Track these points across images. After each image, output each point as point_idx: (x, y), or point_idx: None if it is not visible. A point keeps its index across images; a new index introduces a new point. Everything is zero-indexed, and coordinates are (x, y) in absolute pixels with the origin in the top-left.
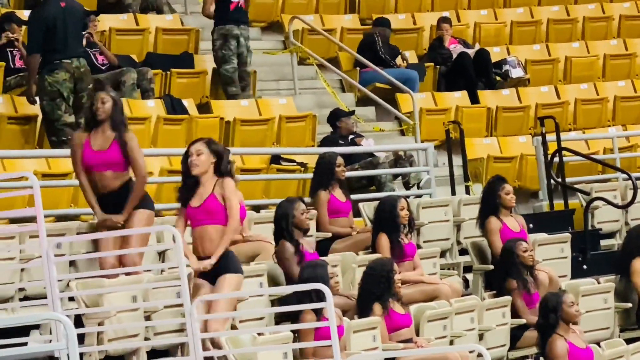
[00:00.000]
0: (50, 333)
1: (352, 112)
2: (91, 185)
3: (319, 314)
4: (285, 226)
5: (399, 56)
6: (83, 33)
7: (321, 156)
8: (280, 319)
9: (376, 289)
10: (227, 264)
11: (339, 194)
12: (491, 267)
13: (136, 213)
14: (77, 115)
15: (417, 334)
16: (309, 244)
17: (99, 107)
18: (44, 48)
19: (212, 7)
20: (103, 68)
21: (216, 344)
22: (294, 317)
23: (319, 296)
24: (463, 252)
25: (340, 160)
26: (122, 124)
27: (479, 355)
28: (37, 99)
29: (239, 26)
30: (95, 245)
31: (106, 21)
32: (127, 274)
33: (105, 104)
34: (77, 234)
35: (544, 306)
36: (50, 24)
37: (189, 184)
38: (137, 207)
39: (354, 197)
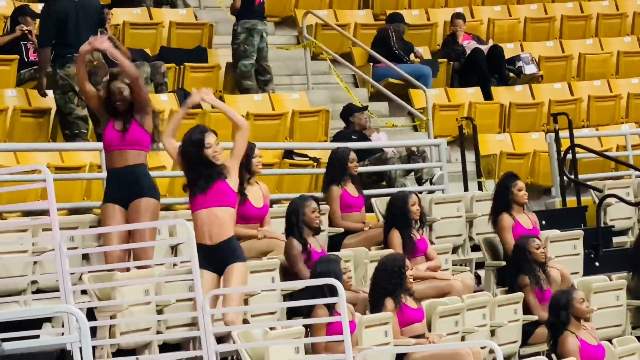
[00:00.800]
0: (63, 326)
1: (366, 108)
2: None
3: (331, 309)
4: (295, 223)
5: (413, 52)
6: (100, 29)
7: (334, 151)
8: (292, 314)
9: (388, 285)
10: (234, 253)
11: (351, 189)
12: (503, 263)
13: (142, 201)
14: None
15: (429, 330)
16: (317, 242)
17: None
18: (56, 42)
19: (239, 3)
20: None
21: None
22: (306, 312)
23: (331, 291)
24: (475, 248)
25: (353, 155)
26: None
27: (491, 351)
28: (49, 92)
29: (262, 21)
30: (103, 238)
31: (120, 15)
32: (139, 267)
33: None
34: (90, 227)
35: (554, 304)
36: (62, 17)
37: (200, 170)
38: (140, 195)
39: (366, 192)
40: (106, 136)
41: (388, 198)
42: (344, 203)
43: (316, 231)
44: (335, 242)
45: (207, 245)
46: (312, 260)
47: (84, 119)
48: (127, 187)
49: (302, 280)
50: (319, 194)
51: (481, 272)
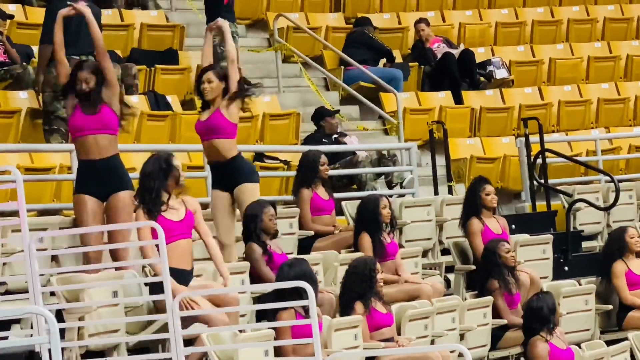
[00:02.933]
0: (32, 327)
1: (337, 112)
2: None
3: (299, 311)
4: (253, 229)
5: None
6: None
7: (305, 154)
8: (261, 316)
9: (359, 288)
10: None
11: (322, 192)
12: (473, 267)
13: (118, 196)
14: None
15: (399, 333)
16: (277, 245)
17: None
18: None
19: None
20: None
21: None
22: (271, 315)
23: (302, 294)
24: (445, 251)
25: (324, 158)
26: None
27: (460, 355)
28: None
29: (233, 23)
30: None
31: None
32: (117, 268)
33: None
34: (60, 228)
35: (535, 309)
36: (65, 18)
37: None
38: (118, 189)
39: (337, 195)
40: (76, 121)
41: (358, 201)
42: (314, 206)
43: (274, 236)
44: (305, 245)
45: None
46: (274, 262)
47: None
48: (105, 180)
49: (271, 283)
50: (289, 197)
51: (451, 276)
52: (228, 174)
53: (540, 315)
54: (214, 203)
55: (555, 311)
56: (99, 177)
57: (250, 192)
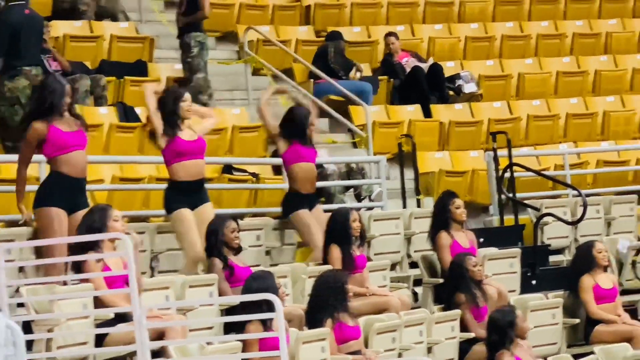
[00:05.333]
0: None
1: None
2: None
3: (266, 324)
4: (214, 243)
5: (354, 69)
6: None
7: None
8: (229, 329)
9: (330, 301)
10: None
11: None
12: (441, 280)
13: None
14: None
15: (366, 346)
16: (239, 259)
17: None
18: (7, 53)
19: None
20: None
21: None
22: (239, 328)
23: (269, 306)
24: (413, 265)
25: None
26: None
27: None
28: None
29: (205, 34)
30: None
31: (60, 27)
32: (81, 281)
33: None
34: (28, 239)
35: (497, 322)
36: (17, 29)
37: None
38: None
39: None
40: (62, 139)
41: (327, 214)
42: None
43: (236, 251)
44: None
45: None
46: (235, 276)
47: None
48: (77, 195)
49: (240, 295)
50: (258, 209)
51: (419, 289)
52: (198, 192)
53: (498, 329)
54: (187, 222)
55: (514, 325)
56: (72, 192)
57: (212, 209)
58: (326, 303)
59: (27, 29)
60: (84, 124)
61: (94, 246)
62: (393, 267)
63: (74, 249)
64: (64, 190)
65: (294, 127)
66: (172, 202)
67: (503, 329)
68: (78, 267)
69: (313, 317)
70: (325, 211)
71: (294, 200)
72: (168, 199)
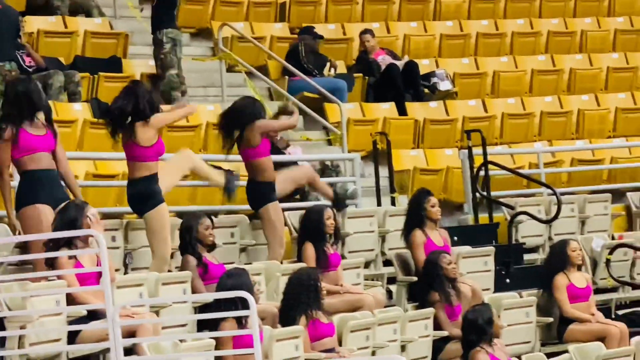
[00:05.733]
0: None
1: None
2: None
3: (240, 321)
4: (188, 240)
5: (328, 65)
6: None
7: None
8: (202, 326)
9: (303, 298)
10: None
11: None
12: (415, 278)
13: None
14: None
15: (340, 344)
16: (213, 257)
17: None
18: None
19: None
20: (30, 70)
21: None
22: (213, 325)
23: (243, 304)
24: (387, 263)
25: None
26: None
27: None
28: None
29: (179, 31)
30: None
31: (34, 23)
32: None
33: None
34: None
35: (473, 321)
36: None
37: None
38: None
39: (280, 205)
40: (28, 141)
41: (302, 212)
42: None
43: (210, 248)
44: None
45: None
46: (209, 273)
47: None
48: (55, 188)
49: (213, 292)
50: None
51: (393, 287)
52: None
53: (476, 327)
54: (167, 217)
55: (492, 322)
56: (52, 185)
57: None
58: (299, 301)
59: None
60: (54, 130)
61: (68, 243)
62: (367, 265)
63: (48, 245)
64: (40, 185)
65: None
66: (156, 196)
67: (482, 327)
68: (51, 264)
69: (286, 315)
70: (299, 209)
71: (267, 190)
72: (154, 194)
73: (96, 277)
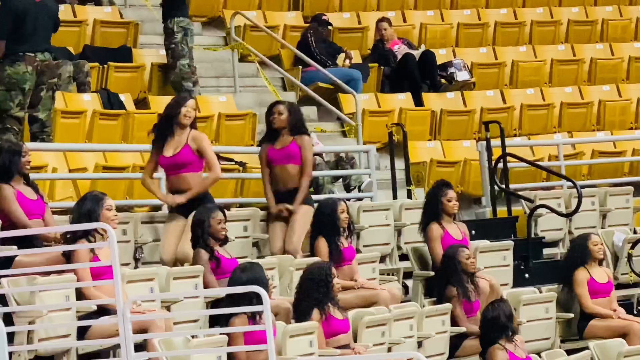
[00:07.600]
0: None
1: None
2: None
3: (252, 317)
4: (200, 234)
5: (343, 55)
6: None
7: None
8: (214, 322)
9: (315, 294)
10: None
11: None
12: (432, 273)
13: None
14: (32, 109)
15: (355, 340)
16: (225, 250)
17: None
18: (10, 38)
19: None
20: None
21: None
22: (224, 321)
23: (257, 299)
24: (403, 257)
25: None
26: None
27: None
28: None
29: (191, 20)
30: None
31: None
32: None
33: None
34: None
35: (495, 317)
36: (20, 15)
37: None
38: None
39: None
40: (27, 206)
41: (316, 205)
42: None
43: (223, 242)
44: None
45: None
46: (222, 267)
47: (18, 119)
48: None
49: (226, 287)
50: (245, 199)
51: (409, 282)
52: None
53: (498, 324)
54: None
55: (513, 318)
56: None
57: None
58: (311, 296)
59: (34, 15)
60: (42, 194)
61: (85, 235)
62: (383, 259)
63: (65, 237)
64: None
65: None
66: None
67: (504, 323)
68: (68, 256)
69: (300, 311)
70: (314, 202)
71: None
72: None
73: (112, 272)
